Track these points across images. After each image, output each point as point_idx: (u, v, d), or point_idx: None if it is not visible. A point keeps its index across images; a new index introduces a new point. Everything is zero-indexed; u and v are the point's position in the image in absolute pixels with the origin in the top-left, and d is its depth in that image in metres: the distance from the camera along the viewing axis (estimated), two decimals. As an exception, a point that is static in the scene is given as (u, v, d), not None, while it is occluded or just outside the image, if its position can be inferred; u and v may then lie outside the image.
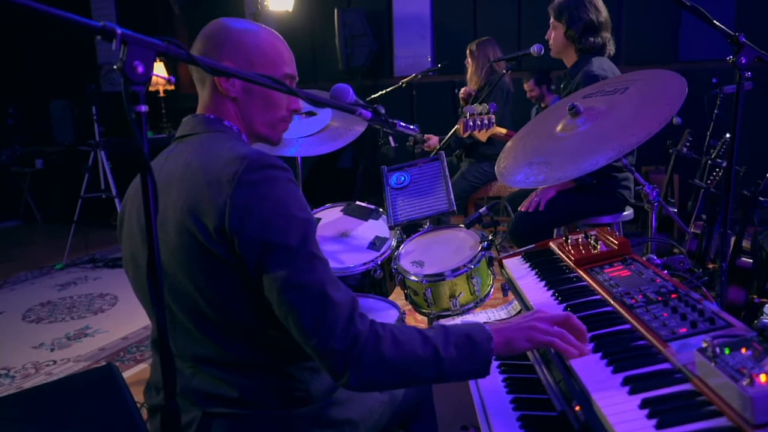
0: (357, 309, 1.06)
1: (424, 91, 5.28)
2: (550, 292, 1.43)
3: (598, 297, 1.32)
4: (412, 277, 1.89)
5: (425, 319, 2.05)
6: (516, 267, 1.70)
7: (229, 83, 1.21)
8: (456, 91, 4.83)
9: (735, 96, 1.53)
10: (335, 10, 5.58)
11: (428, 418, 1.55)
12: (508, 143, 2.00)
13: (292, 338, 1.06)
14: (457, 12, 5.67)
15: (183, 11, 6.40)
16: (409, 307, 2.01)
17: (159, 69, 5.87)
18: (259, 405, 1.15)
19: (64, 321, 3.67)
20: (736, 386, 0.80)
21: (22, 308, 3.91)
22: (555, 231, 2.78)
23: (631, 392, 0.94)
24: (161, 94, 5.97)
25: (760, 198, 2.67)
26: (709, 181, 3.17)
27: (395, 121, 1.49)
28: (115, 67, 0.81)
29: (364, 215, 2.27)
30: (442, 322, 1.96)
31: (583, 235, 1.62)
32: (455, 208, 2.06)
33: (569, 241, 1.63)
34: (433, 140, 3.91)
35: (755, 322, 2.25)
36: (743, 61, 1.48)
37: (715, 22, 1.49)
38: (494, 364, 1.33)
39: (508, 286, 1.74)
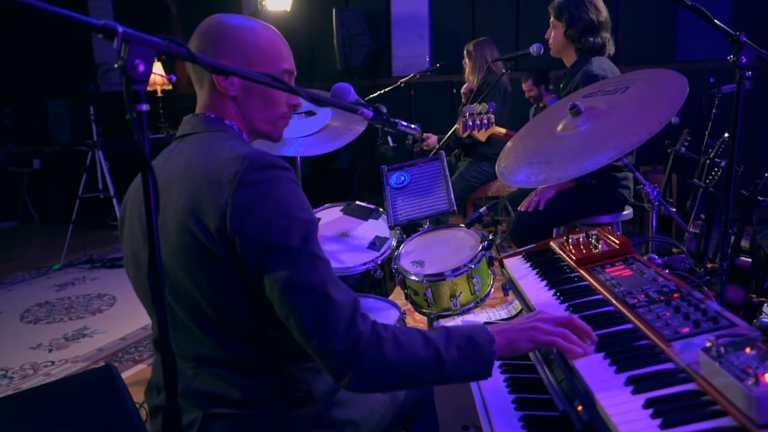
0: (359, 310, 1.05)
1: (423, 91, 5.27)
2: (552, 292, 1.43)
3: (600, 297, 1.32)
4: (413, 277, 1.88)
5: (425, 318, 2.04)
6: (517, 267, 1.70)
7: (228, 82, 1.20)
8: (455, 90, 4.83)
9: (735, 95, 1.53)
10: (333, 10, 5.58)
11: (429, 418, 1.55)
12: (509, 143, 2.00)
13: (293, 338, 1.05)
14: (456, 12, 5.67)
15: (180, 11, 6.40)
16: (409, 307, 2.01)
17: (157, 68, 5.85)
18: (260, 405, 1.14)
19: (62, 321, 3.66)
20: (741, 386, 0.80)
21: (20, 309, 3.89)
22: (554, 231, 2.78)
23: (635, 392, 0.94)
24: (159, 94, 5.96)
25: (759, 197, 2.67)
26: (707, 181, 3.18)
27: (396, 121, 1.48)
28: (116, 65, 0.80)
29: (364, 215, 2.27)
30: (443, 322, 1.97)
31: (584, 235, 1.62)
32: (455, 208, 2.06)
33: (570, 240, 1.63)
34: (432, 139, 3.90)
35: (754, 321, 2.25)
36: (744, 60, 1.48)
37: (716, 21, 1.49)
38: (496, 363, 1.33)
39: (509, 286, 1.74)
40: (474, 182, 4.13)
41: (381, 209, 2.26)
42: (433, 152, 2.30)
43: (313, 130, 2.38)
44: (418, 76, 3.87)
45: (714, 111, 3.50)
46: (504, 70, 2.95)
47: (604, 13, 2.67)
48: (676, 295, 1.19)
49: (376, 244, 2.12)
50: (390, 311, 1.89)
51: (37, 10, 0.72)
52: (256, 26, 1.24)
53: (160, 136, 5.75)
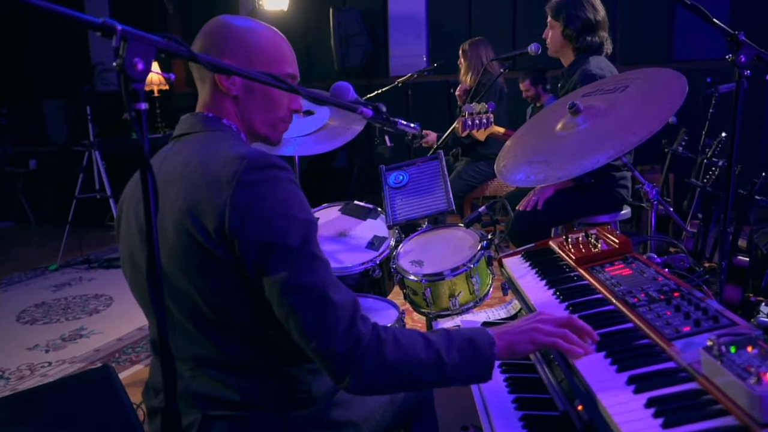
0: (359, 311, 1.05)
1: (420, 91, 5.27)
2: (551, 291, 1.43)
3: (599, 296, 1.32)
4: (411, 277, 1.88)
5: (424, 318, 2.04)
6: (516, 266, 1.70)
7: (230, 81, 1.19)
8: (452, 90, 4.82)
9: (734, 94, 1.53)
10: (330, 10, 5.57)
11: (429, 418, 1.54)
12: (508, 142, 2.00)
13: (292, 339, 1.05)
14: (453, 11, 5.67)
15: (177, 11, 6.38)
16: (408, 306, 2.00)
17: (154, 68, 5.84)
18: (259, 407, 1.14)
19: (59, 322, 3.64)
20: (743, 385, 0.80)
21: (17, 309, 3.87)
22: (553, 230, 2.78)
23: (636, 391, 0.93)
24: (156, 94, 5.94)
25: (756, 197, 2.68)
26: (704, 180, 3.18)
27: (396, 120, 1.48)
28: (114, 64, 0.79)
29: (363, 215, 2.26)
30: (442, 321, 1.97)
31: (584, 234, 1.62)
32: (454, 208, 2.05)
33: (569, 239, 1.63)
34: (432, 136, 3.90)
35: (752, 320, 2.25)
36: (743, 59, 1.48)
37: (715, 20, 1.49)
38: (495, 364, 1.32)
39: (508, 286, 1.74)
40: (471, 182, 4.13)
41: (379, 209, 2.25)
42: (431, 151, 2.29)
43: (312, 130, 2.37)
44: (415, 75, 3.86)
45: (711, 110, 3.51)
46: (501, 71, 2.94)
47: (602, 12, 2.67)
48: (676, 294, 1.19)
49: (374, 243, 2.11)
50: (389, 311, 1.89)
51: (36, 9, 0.72)
52: (261, 28, 1.24)
53: (157, 136, 5.72)
